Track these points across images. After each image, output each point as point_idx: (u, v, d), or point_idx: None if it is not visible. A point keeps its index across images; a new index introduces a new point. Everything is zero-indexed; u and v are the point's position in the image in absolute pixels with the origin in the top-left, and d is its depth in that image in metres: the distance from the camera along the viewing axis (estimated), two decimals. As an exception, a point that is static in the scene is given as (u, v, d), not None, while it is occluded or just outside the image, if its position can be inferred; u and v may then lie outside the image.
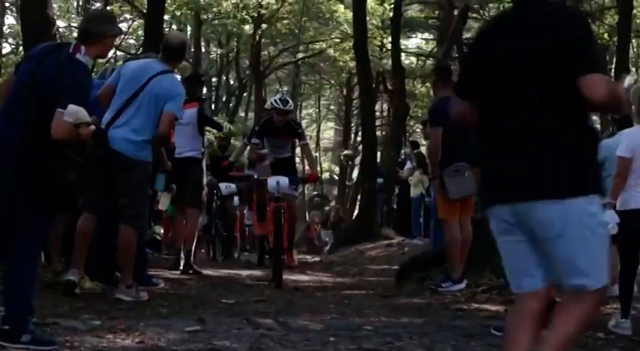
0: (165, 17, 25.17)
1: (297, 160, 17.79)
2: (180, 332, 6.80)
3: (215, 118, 18.97)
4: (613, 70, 23.34)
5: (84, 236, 8.58)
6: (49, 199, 5.96)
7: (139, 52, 19.83)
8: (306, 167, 17.85)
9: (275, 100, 12.98)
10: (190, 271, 11.68)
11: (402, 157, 22.91)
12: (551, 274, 4.31)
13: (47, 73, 5.99)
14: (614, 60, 23.41)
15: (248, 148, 14.16)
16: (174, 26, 30.58)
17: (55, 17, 15.54)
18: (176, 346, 6.24)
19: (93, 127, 6.11)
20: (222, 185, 16.74)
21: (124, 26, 34.92)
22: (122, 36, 33.54)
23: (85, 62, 6.13)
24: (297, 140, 13.26)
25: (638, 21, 25.13)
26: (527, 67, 4.24)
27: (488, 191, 4.52)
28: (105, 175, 8.36)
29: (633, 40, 26.28)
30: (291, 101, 13.37)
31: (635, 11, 24.34)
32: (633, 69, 25.12)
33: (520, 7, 4.48)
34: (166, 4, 21.36)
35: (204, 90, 37.05)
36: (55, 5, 18.17)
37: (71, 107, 5.78)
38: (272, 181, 11.60)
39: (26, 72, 6.19)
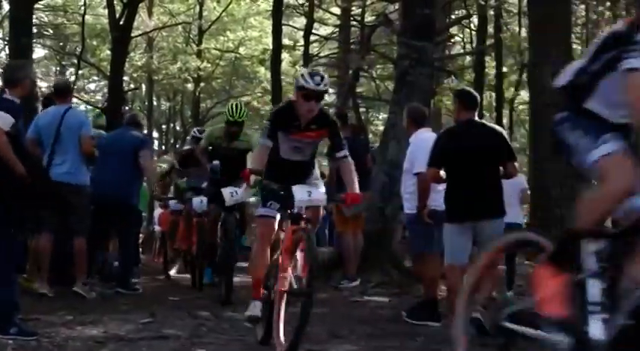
0: (125, 78, 25.07)
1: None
2: (136, 324, 6.79)
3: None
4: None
5: (45, 253, 8.32)
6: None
7: (104, 105, 20.07)
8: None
9: (302, 76, 5.87)
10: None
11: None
12: None
13: None
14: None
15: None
16: (131, 85, 30.32)
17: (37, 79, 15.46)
18: (133, 335, 6.23)
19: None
20: (226, 192, 8.96)
21: (92, 85, 34.69)
22: (90, 93, 33.42)
23: (12, 99, 6.25)
24: (332, 149, 6.10)
25: (489, 78, 25.58)
26: None
27: None
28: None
29: (487, 93, 26.69)
30: (327, 78, 5.95)
31: (486, 70, 24.91)
32: (487, 114, 25.57)
33: None
34: (125, 68, 21.30)
35: (156, 134, 36.98)
36: (37, 70, 18.06)
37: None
38: (300, 193, 5.69)
39: None
